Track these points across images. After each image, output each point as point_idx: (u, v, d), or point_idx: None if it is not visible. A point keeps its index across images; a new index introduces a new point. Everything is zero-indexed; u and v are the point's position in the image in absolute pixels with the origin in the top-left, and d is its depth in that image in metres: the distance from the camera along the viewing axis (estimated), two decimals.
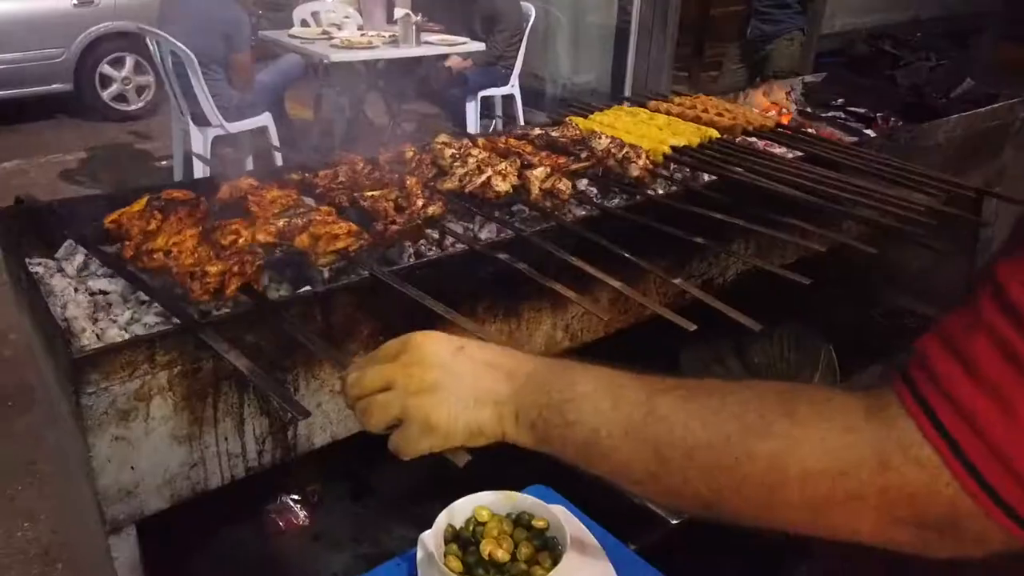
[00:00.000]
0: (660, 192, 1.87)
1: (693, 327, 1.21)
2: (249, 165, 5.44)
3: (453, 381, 0.74)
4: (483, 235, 1.68)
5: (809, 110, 2.45)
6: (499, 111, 6.49)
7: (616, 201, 1.88)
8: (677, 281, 1.45)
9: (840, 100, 2.42)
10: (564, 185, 1.60)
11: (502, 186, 1.58)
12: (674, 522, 1.91)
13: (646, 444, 0.66)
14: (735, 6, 9.35)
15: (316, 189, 1.50)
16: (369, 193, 1.46)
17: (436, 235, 1.58)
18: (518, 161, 1.71)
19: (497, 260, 1.36)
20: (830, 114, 2.41)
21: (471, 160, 1.67)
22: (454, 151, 1.72)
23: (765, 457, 0.61)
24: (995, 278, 0.57)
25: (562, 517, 1.32)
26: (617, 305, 1.67)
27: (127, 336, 1.21)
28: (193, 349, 1.11)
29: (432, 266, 1.36)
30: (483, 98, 6.05)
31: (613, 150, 1.80)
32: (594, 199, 1.92)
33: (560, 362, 0.76)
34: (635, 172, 1.73)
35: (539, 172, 1.65)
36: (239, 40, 4.80)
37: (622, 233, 1.59)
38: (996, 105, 2.44)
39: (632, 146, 1.80)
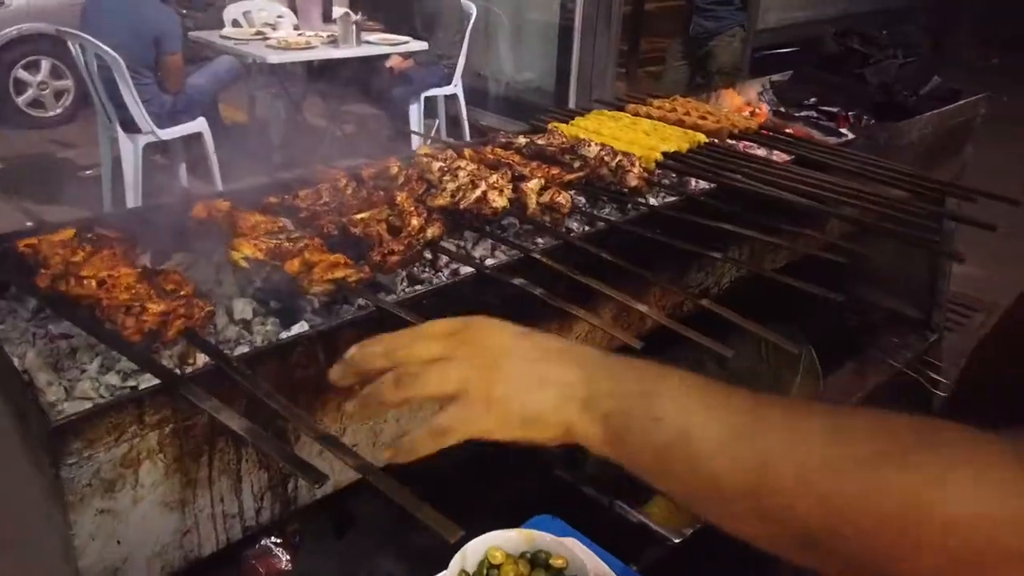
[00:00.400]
0: (655, 201, 1.80)
1: (639, 345, 1.15)
2: (183, 173, 5.19)
3: (514, 359, 0.65)
4: (477, 253, 1.58)
5: (783, 110, 2.43)
6: (442, 111, 6.37)
7: (607, 211, 1.81)
8: (643, 308, 1.32)
9: (813, 99, 2.40)
10: (564, 198, 1.51)
11: (499, 201, 1.48)
12: (676, 541, 1.86)
13: (751, 454, 0.56)
14: (670, 1, 9.46)
15: (300, 213, 1.37)
16: (359, 216, 1.33)
17: (429, 255, 1.47)
18: (509, 173, 1.61)
19: (504, 283, 1.26)
20: (803, 114, 2.40)
21: (462, 174, 1.56)
22: (442, 164, 1.60)
23: (902, 491, 0.52)
24: None
25: (579, 552, 1.24)
26: (620, 320, 1.60)
27: (100, 388, 1.06)
28: (187, 404, 0.98)
29: (439, 294, 1.25)
30: (426, 98, 5.92)
31: (606, 158, 1.72)
32: (583, 208, 1.84)
33: (636, 359, 0.66)
34: (633, 182, 1.65)
35: (534, 184, 1.55)
36: (170, 41, 4.55)
37: (623, 246, 1.52)
38: (962, 102, 2.47)
39: (625, 154, 1.72)
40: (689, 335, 1.23)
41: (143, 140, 4.63)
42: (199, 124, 4.88)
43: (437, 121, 6.41)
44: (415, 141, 5.92)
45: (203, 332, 1.05)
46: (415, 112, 5.86)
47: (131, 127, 4.56)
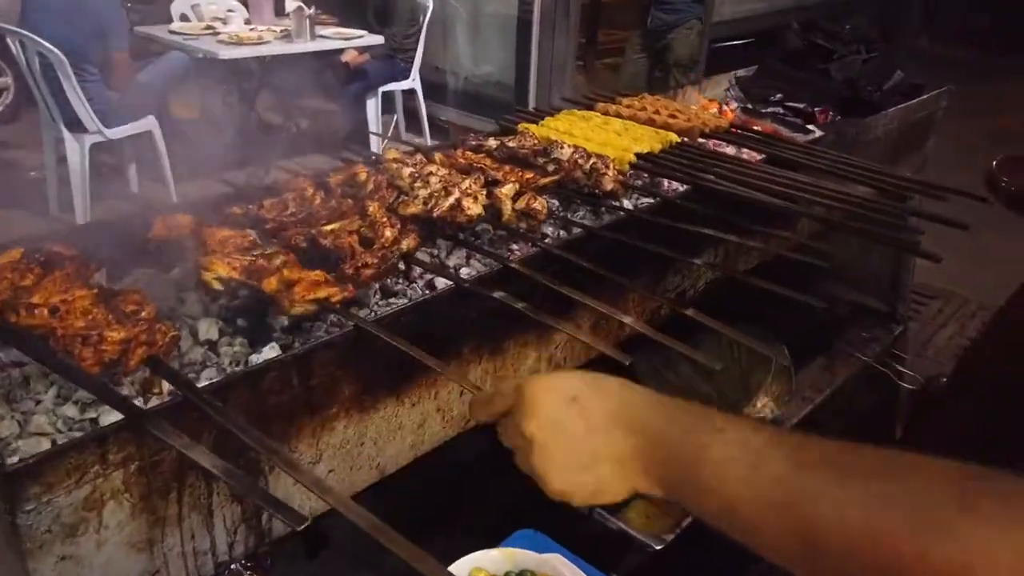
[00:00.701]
0: (630, 204, 1.78)
1: (628, 360, 1.13)
2: (133, 174, 5.01)
3: (564, 438, 0.70)
4: (451, 262, 1.53)
5: (750, 106, 2.43)
6: (400, 106, 6.27)
7: (581, 213, 1.77)
8: (628, 320, 1.29)
9: (779, 95, 2.40)
10: (540, 204, 1.47)
11: (474, 208, 1.43)
12: (656, 547, 1.84)
13: (796, 526, 0.58)
14: None
15: (265, 224, 1.30)
16: (328, 227, 1.27)
17: (402, 266, 1.42)
18: (482, 178, 1.56)
19: (485, 296, 1.22)
20: (770, 110, 2.39)
21: (434, 180, 1.51)
22: (412, 170, 1.55)
23: (944, 560, 0.52)
24: None
25: (562, 569, 1.22)
26: (600, 328, 1.57)
27: (57, 422, 0.99)
28: (153, 439, 0.91)
29: (416, 311, 1.19)
30: (383, 93, 5.82)
31: (579, 160, 1.68)
32: (557, 212, 1.80)
33: (686, 411, 0.69)
34: (608, 185, 1.61)
35: (508, 190, 1.51)
36: (117, 37, 4.38)
37: (600, 251, 1.48)
38: (924, 96, 2.49)
39: (599, 156, 1.69)
40: (672, 345, 1.21)
41: (89, 140, 4.45)
42: (148, 123, 4.71)
43: (395, 116, 6.31)
44: (373, 142, 5.81)
45: (168, 358, 0.99)
46: (372, 107, 5.75)
47: (77, 127, 4.39)
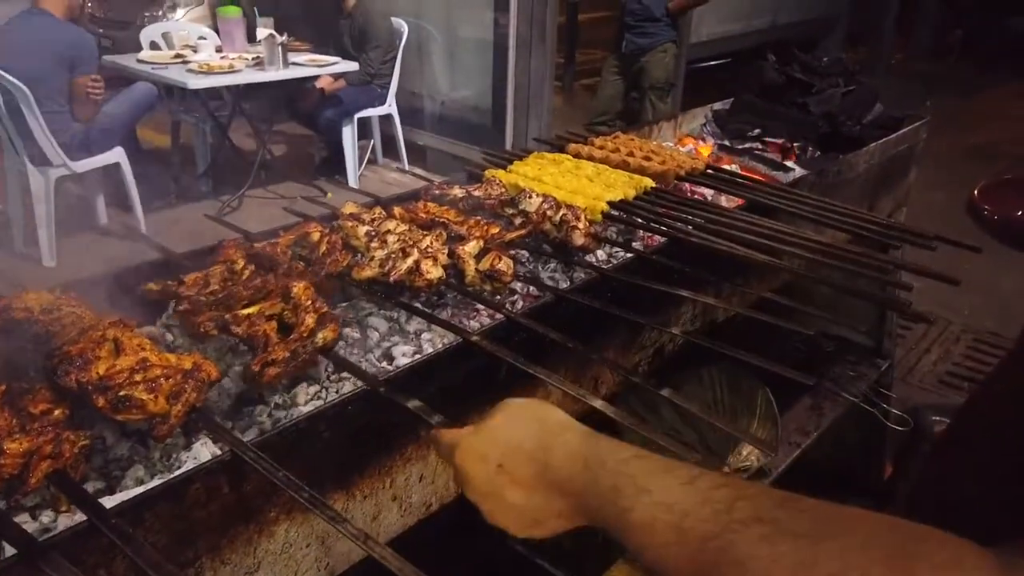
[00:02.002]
0: (603, 255, 1.69)
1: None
2: (101, 207, 4.88)
3: (503, 505, 0.73)
4: (411, 328, 1.43)
5: (727, 143, 2.35)
6: (377, 132, 6.19)
7: (552, 266, 1.68)
8: (598, 404, 1.18)
9: (756, 131, 2.33)
10: (505, 264, 1.37)
11: (433, 272, 1.33)
12: None
13: None
14: (602, 12, 9.46)
15: (180, 304, 1.18)
16: (244, 311, 1.14)
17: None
18: (444, 234, 1.46)
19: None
20: (748, 145, 2.32)
21: (391, 239, 1.41)
22: (368, 228, 1.45)
23: None
24: None
25: None
26: (567, 400, 1.47)
27: None
28: None
29: (302, 434, 1.07)
30: (360, 119, 5.73)
31: (548, 212, 1.59)
32: (526, 263, 1.71)
33: (608, 463, 0.68)
34: (579, 240, 1.52)
35: (471, 248, 1.41)
36: (85, 65, 4.26)
37: (570, 313, 1.39)
38: (905, 129, 2.43)
39: (569, 206, 1.60)
40: (658, 440, 1.11)
41: (55, 174, 4.33)
42: (116, 154, 4.60)
43: (372, 141, 6.22)
44: (350, 172, 5.72)
45: (77, 471, 0.88)
46: (348, 133, 5.67)
47: (41, 160, 4.27)
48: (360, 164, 6.00)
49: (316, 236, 1.41)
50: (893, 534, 0.54)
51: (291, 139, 6.80)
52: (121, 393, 0.89)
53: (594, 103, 6.17)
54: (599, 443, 0.71)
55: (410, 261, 1.35)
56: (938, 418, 2.59)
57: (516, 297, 1.57)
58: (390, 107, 5.88)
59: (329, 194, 5.42)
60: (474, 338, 1.17)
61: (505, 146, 5.59)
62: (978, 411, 0.84)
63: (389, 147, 6.23)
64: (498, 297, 1.41)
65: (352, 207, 1.56)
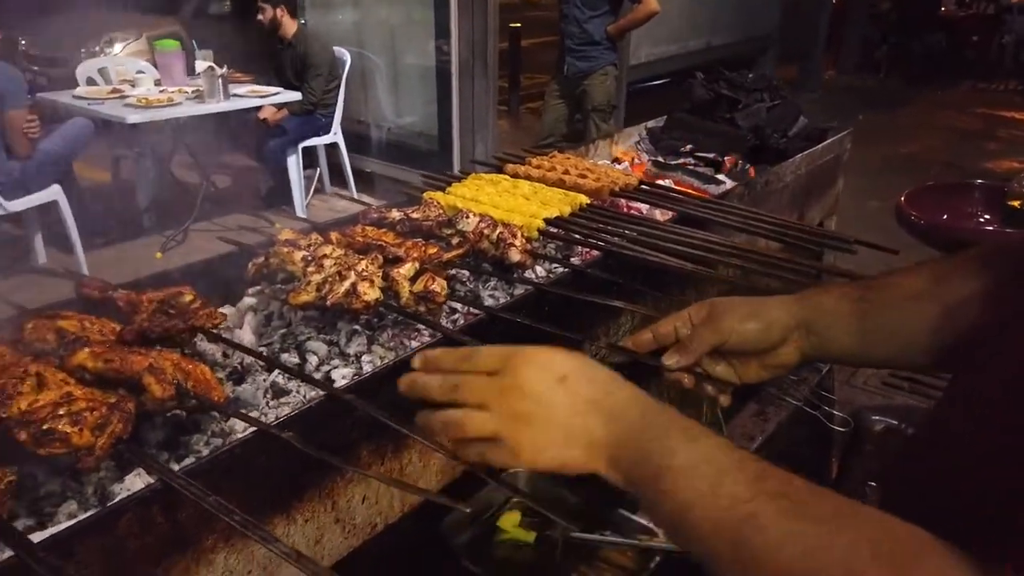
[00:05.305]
0: (542, 272, 1.72)
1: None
2: (39, 246, 4.76)
3: (546, 413, 0.72)
4: (351, 349, 1.43)
5: (661, 159, 2.42)
6: (323, 160, 6.17)
7: (492, 284, 1.71)
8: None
9: (689, 146, 2.40)
10: (439, 286, 1.39)
11: (370, 294, 1.34)
12: None
13: (736, 547, 0.61)
14: (545, 36, 9.63)
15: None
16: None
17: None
18: (380, 257, 1.48)
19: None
20: (680, 161, 2.39)
21: (328, 263, 1.42)
22: (305, 253, 1.46)
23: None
24: None
25: None
26: None
27: None
28: None
29: (303, 419, 1.09)
30: (305, 148, 5.72)
31: (485, 231, 1.62)
32: (467, 282, 1.73)
33: (664, 415, 0.71)
34: (516, 257, 1.55)
35: (406, 270, 1.43)
36: (13, 97, 4.18)
37: (507, 332, 1.41)
38: (830, 140, 2.52)
39: (505, 225, 1.63)
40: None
41: None
42: (53, 192, 4.51)
43: (318, 170, 6.20)
44: (297, 201, 5.69)
45: (4, 509, 0.86)
46: (293, 163, 5.64)
47: None
48: (307, 193, 5.97)
49: (252, 270, 1.41)
50: (902, 531, 0.58)
51: (236, 171, 6.74)
52: (44, 427, 0.88)
53: (539, 126, 6.25)
54: (654, 402, 0.73)
55: (347, 283, 1.35)
56: (878, 418, 2.68)
57: (457, 315, 1.59)
58: (335, 135, 5.88)
59: (277, 224, 5.37)
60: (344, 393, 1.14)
61: (453, 170, 5.63)
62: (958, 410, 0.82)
63: (337, 176, 6.22)
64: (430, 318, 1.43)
65: (288, 233, 1.57)
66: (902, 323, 0.92)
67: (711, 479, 0.64)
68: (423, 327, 1.49)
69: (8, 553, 0.84)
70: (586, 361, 0.76)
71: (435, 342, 1.33)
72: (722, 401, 1.01)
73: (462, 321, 1.53)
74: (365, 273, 1.39)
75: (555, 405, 0.72)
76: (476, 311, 1.49)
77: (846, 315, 0.94)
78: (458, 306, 1.60)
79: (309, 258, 1.45)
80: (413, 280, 1.41)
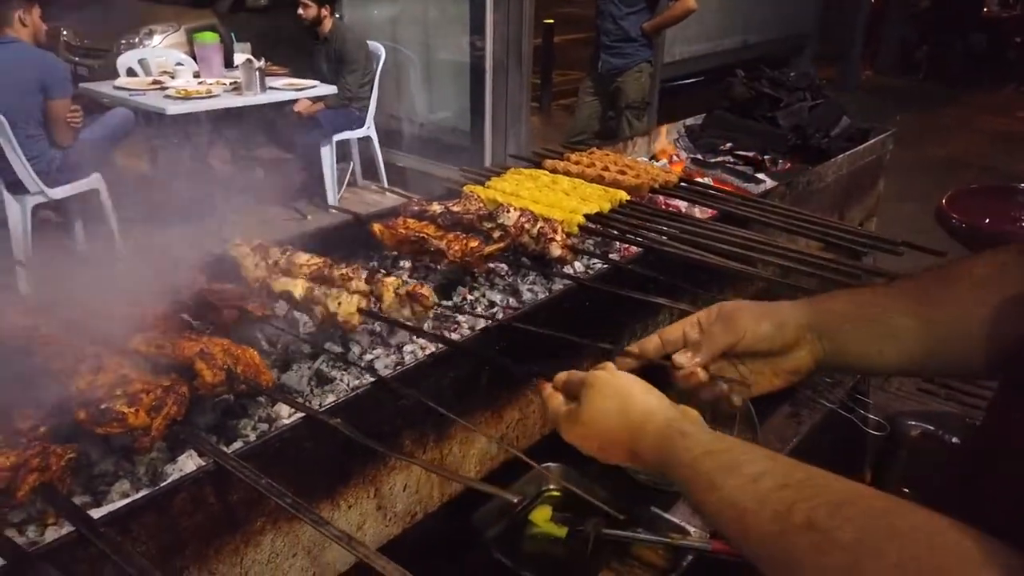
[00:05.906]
0: (580, 267, 1.72)
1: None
2: (79, 233, 4.86)
3: (598, 431, 0.87)
4: (393, 341, 1.45)
5: (699, 157, 2.40)
6: (356, 154, 6.21)
7: (531, 278, 1.71)
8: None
9: (728, 144, 2.38)
10: (427, 290, 1.34)
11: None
12: None
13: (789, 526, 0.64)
14: (577, 33, 9.59)
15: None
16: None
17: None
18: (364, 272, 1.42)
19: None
20: (720, 159, 2.37)
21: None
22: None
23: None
24: None
25: None
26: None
27: None
28: None
29: (349, 407, 1.11)
30: (338, 141, 5.76)
31: (526, 225, 1.62)
32: (505, 275, 1.74)
33: (688, 457, 0.75)
34: (556, 252, 1.56)
35: (391, 281, 1.37)
36: (57, 87, 4.25)
37: (550, 321, 1.42)
38: (872, 141, 2.49)
39: (546, 219, 1.63)
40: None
41: (32, 201, 4.31)
42: (94, 180, 4.59)
43: (351, 163, 6.25)
44: (330, 194, 5.74)
45: (64, 485, 0.89)
46: (327, 156, 5.69)
47: (17, 188, 4.25)
48: (340, 186, 6.02)
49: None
50: (933, 524, 0.58)
51: (270, 163, 6.81)
52: (102, 407, 0.90)
53: (572, 123, 6.24)
54: (674, 441, 0.78)
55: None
56: (915, 423, 2.64)
57: (496, 309, 1.60)
58: (369, 129, 5.92)
59: (309, 216, 5.43)
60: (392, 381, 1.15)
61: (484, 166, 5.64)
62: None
63: (369, 169, 6.26)
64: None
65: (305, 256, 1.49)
66: (960, 315, 0.88)
67: (737, 520, 0.67)
68: (461, 318, 1.50)
69: (68, 528, 0.87)
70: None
71: (472, 336, 1.34)
72: (735, 400, 0.99)
73: (500, 315, 1.54)
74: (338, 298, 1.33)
75: (608, 423, 0.86)
76: (516, 305, 1.49)
77: (854, 317, 0.93)
78: (498, 298, 1.61)
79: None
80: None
